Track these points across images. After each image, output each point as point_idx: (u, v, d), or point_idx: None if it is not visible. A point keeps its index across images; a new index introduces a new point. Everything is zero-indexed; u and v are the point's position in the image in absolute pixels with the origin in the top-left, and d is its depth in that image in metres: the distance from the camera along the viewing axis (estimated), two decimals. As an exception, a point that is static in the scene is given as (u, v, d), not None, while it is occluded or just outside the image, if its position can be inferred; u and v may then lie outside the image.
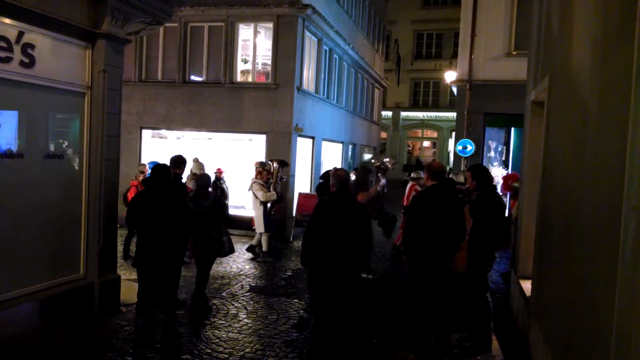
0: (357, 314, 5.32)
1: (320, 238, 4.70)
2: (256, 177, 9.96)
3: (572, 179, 3.85)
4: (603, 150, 2.93)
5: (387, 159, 9.71)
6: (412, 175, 10.35)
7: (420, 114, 33.69)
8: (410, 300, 5.70)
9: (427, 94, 33.65)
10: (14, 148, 5.55)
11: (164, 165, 5.44)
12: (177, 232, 5.24)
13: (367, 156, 24.08)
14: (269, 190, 9.87)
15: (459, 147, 13.66)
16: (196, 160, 10.49)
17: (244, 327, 6.21)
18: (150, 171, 5.52)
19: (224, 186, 11.32)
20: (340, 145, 18.58)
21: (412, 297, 5.39)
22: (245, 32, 13.41)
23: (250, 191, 9.87)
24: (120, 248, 8.74)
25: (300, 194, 12.56)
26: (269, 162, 10.64)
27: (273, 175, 10.23)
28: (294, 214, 12.55)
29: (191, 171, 10.18)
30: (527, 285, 6.02)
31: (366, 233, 4.83)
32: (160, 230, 5.13)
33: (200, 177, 6.66)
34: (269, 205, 9.89)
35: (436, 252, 5.03)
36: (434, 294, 5.11)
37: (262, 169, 10.04)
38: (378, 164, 9.31)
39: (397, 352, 5.44)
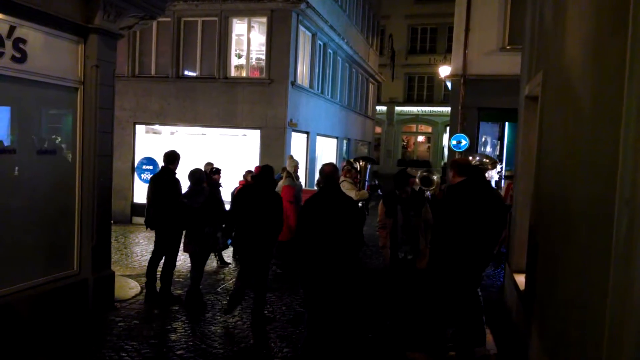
0: (352, 307, 5.33)
1: (311, 233, 4.70)
2: (345, 176, 9.61)
3: (565, 174, 3.86)
4: (596, 144, 2.94)
5: (487, 159, 9.16)
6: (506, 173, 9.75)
7: (414, 109, 33.69)
8: (424, 299, 5.65)
9: (422, 89, 33.64)
10: (6, 144, 5.51)
11: (270, 166, 6.38)
12: (270, 223, 5.96)
13: (363, 150, 24.09)
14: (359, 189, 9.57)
15: (454, 142, 13.68)
16: (290, 157, 10.20)
17: (239, 322, 6.21)
18: (258, 170, 6.61)
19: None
20: (334, 140, 18.57)
21: (430, 296, 5.31)
22: (239, 26, 13.36)
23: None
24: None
25: None
26: (357, 160, 10.46)
27: (361, 173, 10.02)
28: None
29: (285, 169, 9.99)
30: (520, 279, 6.05)
31: (356, 226, 4.84)
32: (258, 220, 5.90)
33: (193, 173, 6.63)
34: (360, 204, 9.67)
35: (473, 252, 4.88)
36: (460, 293, 5.03)
37: (350, 167, 9.87)
38: (477, 163, 8.84)
39: (407, 352, 5.41)
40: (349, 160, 10.61)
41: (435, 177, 9.10)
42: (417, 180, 9.08)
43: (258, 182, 6.27)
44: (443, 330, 5.39)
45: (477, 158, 9.15)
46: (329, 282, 4.72)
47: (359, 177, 9.88)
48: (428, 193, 9.29)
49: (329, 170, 4.93)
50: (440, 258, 5.15)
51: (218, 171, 9.36)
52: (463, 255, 4.89)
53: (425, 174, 9.20)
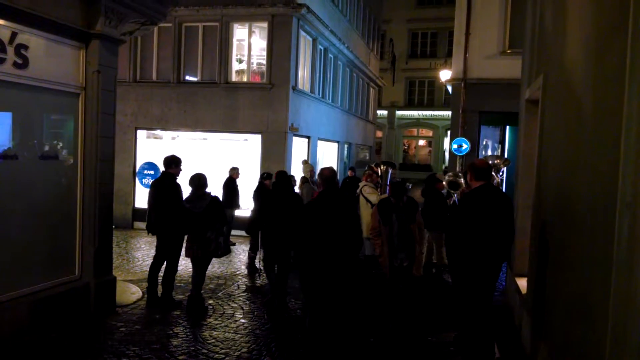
0: (353, 311, 5.31)
1: (312, 237, 4.70)
2: (365, 180, 9.53)
3: (566, 177, 3.86)
4: (597, 147, 2.94)
5: (498, 160, 8.99)
6: None
7: (415, 113, 33.73)
8: (456, 310, 5.58)
9: (422, 93, 33.69)
10: (8, 149, 5.53)
11: (284, 171, 7.09)
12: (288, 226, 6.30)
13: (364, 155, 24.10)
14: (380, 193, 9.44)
15: (455, 146, 13.69)
16: (305, 162, 9.94)
17: (241, 327, 6.20)
18: (275, 176, 7.09)
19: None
20: (335, 145, 18.58)
21: (460, 306, 5.23)
22: (240, 31, 13.40)
23: (360, 195, 9.26)
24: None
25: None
26: (379, 165, 10.41)
27: (382, 177, 10.00)
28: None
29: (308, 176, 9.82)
30: (522, 283, 6.04)
31: (356, 230, 4.84)
32: (279, 224, 6.49)
33: (194, 178, 6.63)
34: None
35: (490, 257, 4.78)
36: (483, 301, 4.93)
37: (371, 172, 9.81)
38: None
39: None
40: (370, 165, 10.57)
41: (462, 181, 9.01)
42: (444, 183, 9.08)
43: (278, 188, 6.81)
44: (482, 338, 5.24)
45: (490, 161, 9.09)
46: (330, 284, 4.71)
47: (380, 181, 9.86)
48: (455, 197, 9.25)
49: (327, 174, 4.94)
50: (457, 265, 5.01)
51: (270, 176, 8.95)
52: (480, 263, 4.77)
53: (451, 178, 9.15)
